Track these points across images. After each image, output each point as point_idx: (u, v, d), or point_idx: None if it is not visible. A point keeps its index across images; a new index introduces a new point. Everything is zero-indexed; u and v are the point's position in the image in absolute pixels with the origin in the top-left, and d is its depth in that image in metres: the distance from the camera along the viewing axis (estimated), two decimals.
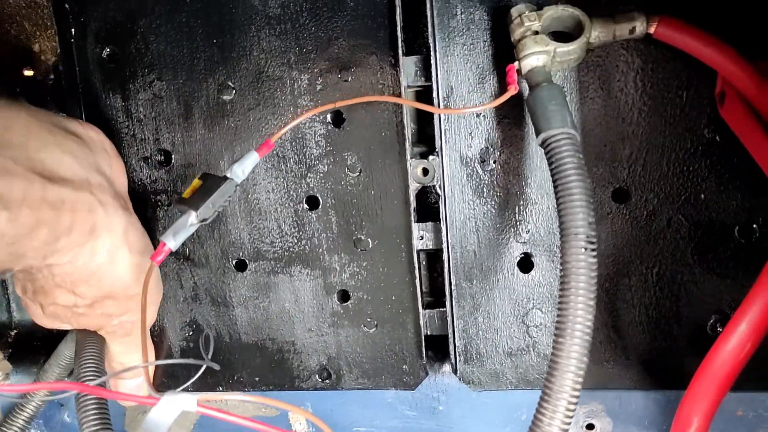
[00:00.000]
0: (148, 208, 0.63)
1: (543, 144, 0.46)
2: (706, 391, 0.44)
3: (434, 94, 0.54)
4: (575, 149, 0.44)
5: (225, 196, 0.52)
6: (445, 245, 0.57)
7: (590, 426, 0.61)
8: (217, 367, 0.59)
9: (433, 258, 0.64)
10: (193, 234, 0.62)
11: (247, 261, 0.62)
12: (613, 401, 0.60)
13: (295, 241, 0.61)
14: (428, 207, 0.61)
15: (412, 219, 0.57)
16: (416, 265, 0.58)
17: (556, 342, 0.41)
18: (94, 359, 0.58)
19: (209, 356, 0.59)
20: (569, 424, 0.40)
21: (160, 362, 0.67)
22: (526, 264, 0.57)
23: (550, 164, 0.45)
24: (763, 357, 0.45)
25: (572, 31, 0.50)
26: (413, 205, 0.57)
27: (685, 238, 0.53)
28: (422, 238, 0.59)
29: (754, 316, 0.43)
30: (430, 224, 0.59)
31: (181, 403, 0.42)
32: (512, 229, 0.56)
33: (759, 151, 0.46)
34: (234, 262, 0.63)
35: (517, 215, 0.56)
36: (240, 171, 0.53)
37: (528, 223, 0.56)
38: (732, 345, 0.44)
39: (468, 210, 0.56)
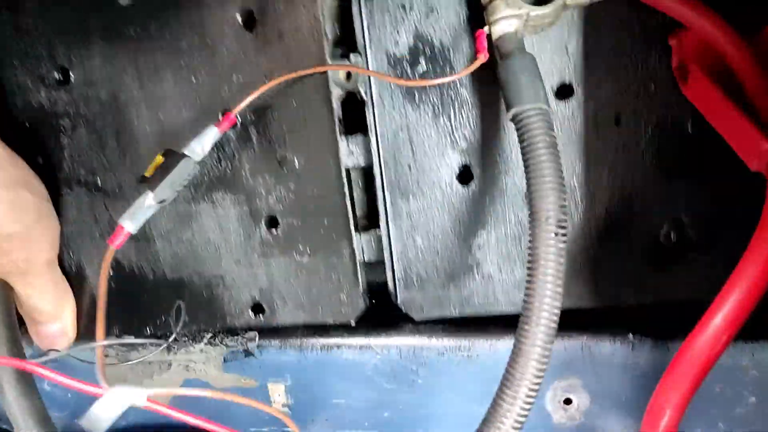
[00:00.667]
0: (51, 133, 0.57)
1: (514, 119, 0.42)
2: (680, 380, 0.41)
3: None
4: (548, 126, 0.41)
5: (184, 175, 0.49)
6: (375, 159, 0.51)
7: (568, 401, 0.57)
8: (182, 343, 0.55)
9: (369, 175, 0.58)
10: (102, 160, 0.57)
11: None
12: (591, 376, 0.55)
13: (215, 163, 0.55)
14: (358, 119, 0.55)
15: (338, 132, 0.51)
16: (345, 182, 0.52)
17: (521, 328, 0.39)
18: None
19: (179, 329, 0.56)
20: (529, 410, 0.39)
21: (115, 342, 0.62)
22: (465, 176, 0.51)
23: (521, 141, 0.41)
24: None
25: None
26: (338, 114, 0.51)
27: (636, 137, 0.47)
28: (352, 153, 0.53)
29: (731, 308, 0.40)
30: (360, 137, 0.53)
31: (129, 397, 0.39)
32: (448, 137, 0.50)
33: (732, 132, 0.40)
34: None
35: (453, 121, 0.50)
36: (199, 148, 0.49)
37: (465, 128, 0.50)
38: (707, 337, 0.40)
39: (399, 119, 0.50)
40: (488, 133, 0.49)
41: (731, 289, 0.39)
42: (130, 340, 0.61)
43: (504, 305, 0.53)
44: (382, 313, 0.58)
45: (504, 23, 0.44)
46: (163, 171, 0.49)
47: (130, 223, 0.49)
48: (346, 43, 0.51)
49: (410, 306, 0.54)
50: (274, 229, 0.56)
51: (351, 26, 0.49)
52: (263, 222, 0.56)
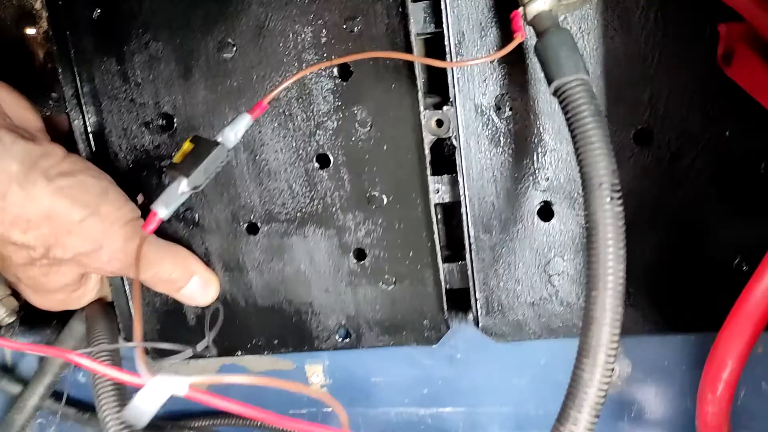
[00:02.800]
0: (153, 174, 0.61)
1: (556, 92, 0.43)
2: (741, 332, 0.43)
3: (446, 42, 0.52)
4: (590, 95, 0.42)
5: (217, 162, 0.49)
6: (462, 197, 0.55)
7: None
8: (214, 351, 0.58)
9: (449, 212, 0.62)
10: (201, 199, 0.61)
11: (258, 224, 0.61)
12: (632, 343, 0.60)
13: (307, 201, 0.59)
14: (442, 159, 0.59)
15: (428, 172, 0.56)
16: (434, 219, 0.57)
17: (589, 296, 0.40)
18: (103, 333, 0.58)
19: (214, 333, 0.58)
20: (609, 377, 0.39)
21: (155, 344, 0.64)
22: (545, 212, 0.55)
23: (565, 113, 0.42)
24: None
25: None
26: (428, 158, 0.55)
27: (710, 178, 0.52)
28: (438, 192, 0.57)
29: None
30: (446, 177, 0.57)
31: (170, 387, 0.38)
32: (531, 178, 0.55)
33: None
34: (245, 225, 0.61)
35: (535, 163, 0.54)
36: (232, 135, 0.49)
37: (547, 170, 0.54)
38: (765, 285, 0.42)
39: (485, 160, 0.55)
40: (570, 176, 0.54)
41: None
42: (165, 345, 0.60)
43: (573, 332, 0.58)
44: None
45: (538, 3, 0.45)
46: (196, 158, 0.49)
47: (163, 210, 0.49)
48: (437, 92, 0.56)
49: (491, 330, 0.59)
50: (362, 261, 0.60)
51: (444, 79, 0.54)
52: (351, 254, 0.60)
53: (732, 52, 0.47)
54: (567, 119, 0.42)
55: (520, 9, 0.46)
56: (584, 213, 0.41)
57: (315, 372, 0.73)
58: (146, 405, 0.40)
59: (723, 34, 0.48)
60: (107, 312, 0.62)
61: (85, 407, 0.74)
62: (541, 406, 0.67)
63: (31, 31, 0.60)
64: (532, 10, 0.45)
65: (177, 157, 0.50)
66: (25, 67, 0.61)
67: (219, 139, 0.49)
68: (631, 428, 0.65)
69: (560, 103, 0.43)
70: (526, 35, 0.47)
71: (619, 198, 0.40)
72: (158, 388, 0.40)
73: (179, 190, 0.49)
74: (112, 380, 0.52)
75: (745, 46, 0.46)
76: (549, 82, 0.44)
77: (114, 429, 0.46)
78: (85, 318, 0.62)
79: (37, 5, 0.60)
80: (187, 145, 0.50)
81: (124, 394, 0.53)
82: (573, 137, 0.42)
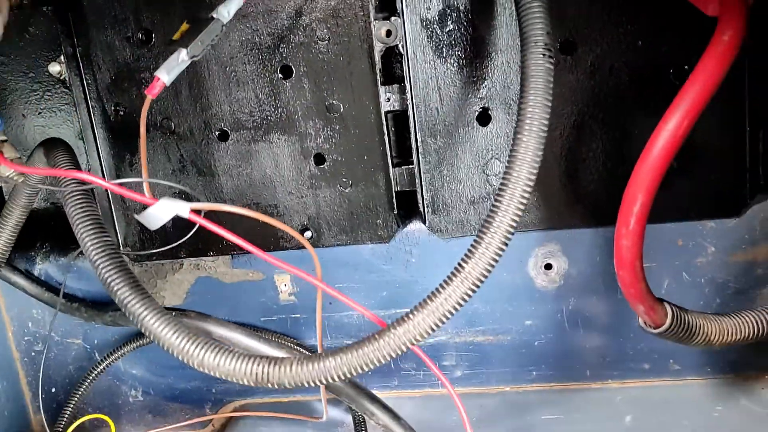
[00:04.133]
0: (133, 85, 0.67)
1: None
2: (649, 169, 0.47)
3: None
4: None
5: (212, 35, 0.54)
6: (410, 103, 0.62)
7: (548, 266, 0.68)
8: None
9: (400, 120, 0.69)
10: (177, 108, 0.67)
11: (228, 131, 0.67)
12: (569, 242, 0.67)
13: (272, 109, 0.66)
14: (393, 72, 0.66)
15: (379, 81, 0.62)
16: (385, 125, 0.63)
17: (516, 138, 0.45)
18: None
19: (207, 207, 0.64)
20: (525, 203, 0.44)
21: (159, 181, 0.69)
22: (484, 118, 0.62)
23: None
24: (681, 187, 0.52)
25: None
26: (379, 65, 0.62)
27: (625, 84, 0.58)
28: (389, 100, 0.64)
29: (690, 100, 0.46)
30: (395, 86, 0.64)
31: (175, 207, 0.48)
32: (471, 86, 0.61)
33: None
34: (217, 133, 0.68)
35: (474, 72, 0.61)
36: (225, 12, 0.54)
37: (485, 79, 0.61)
38: (668, 130, 0.46)
39: (430, 70, 0.61)
40: (505, 83, 0.60)
41: (683, 96, 0.45)
42: (164, 182, 0.68)
43: (518, 226, 0.64)
44: None
45: None
46: (193, 32, 0.53)
47: (165, 75, 0.52)
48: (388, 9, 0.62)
49: (437, 228, 0.66)
50: (321, 165, 0.67)
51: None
52: (312, 159, 0.67)
53: None
54: None
55: None
56: (520, 69, 0.46)
57: (283, 281, 0.80)
58: (156, 215, 0.49)
59: None
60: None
61: (71, 299, 0.81)
62: (488, 303, 0.74)
63: None
64: None
65: (176, 36, 0.54)
66: None
67: (214, 15, 0.54)
68: (570, 320, 0.72)
69: None
70: None
71: (551, 57, 0.45)
72: (167, 206, 0.49)
73: (179, 59, 0.53)
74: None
75: None
76: None
77: (95, 252, 0.52)
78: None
79: None
80: (184, 26, 0.55)
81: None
82: (517, 3, 0.46)
